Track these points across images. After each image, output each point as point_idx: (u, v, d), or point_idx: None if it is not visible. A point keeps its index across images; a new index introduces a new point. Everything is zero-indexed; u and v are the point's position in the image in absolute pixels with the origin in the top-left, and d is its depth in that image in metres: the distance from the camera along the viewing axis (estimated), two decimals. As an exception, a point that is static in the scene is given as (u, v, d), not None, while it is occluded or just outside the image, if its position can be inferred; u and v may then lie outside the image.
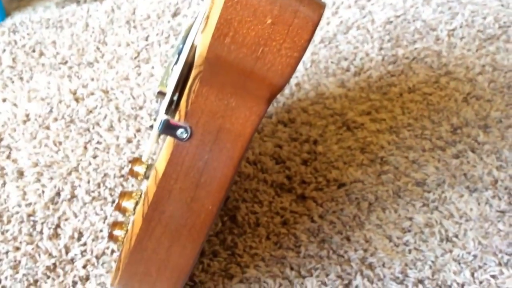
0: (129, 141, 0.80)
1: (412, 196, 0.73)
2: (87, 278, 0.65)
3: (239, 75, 0.42)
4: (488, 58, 0.92)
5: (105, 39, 0.97)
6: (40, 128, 0.81)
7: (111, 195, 0.73)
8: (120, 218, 0.69)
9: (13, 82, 0.89)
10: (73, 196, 0.73)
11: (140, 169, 0.51)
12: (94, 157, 0.77)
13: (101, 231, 0.69)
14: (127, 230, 0.52)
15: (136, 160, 0.52)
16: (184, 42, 0.48)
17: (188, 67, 0.45)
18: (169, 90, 0.46)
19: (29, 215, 0.70)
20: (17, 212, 0.71)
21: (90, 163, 0.76)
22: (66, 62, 0.93)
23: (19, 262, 0.66)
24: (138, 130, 0.81)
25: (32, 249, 0.67)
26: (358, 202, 0.72)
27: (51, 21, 1.01)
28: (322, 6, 0.42)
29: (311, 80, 0.89)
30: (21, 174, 0.75)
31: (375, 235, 0.69)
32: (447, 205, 0.72)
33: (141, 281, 0.52)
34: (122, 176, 0.75)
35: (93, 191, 0.73)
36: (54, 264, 0.66)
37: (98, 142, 0.79)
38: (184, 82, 0.46)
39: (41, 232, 0.69)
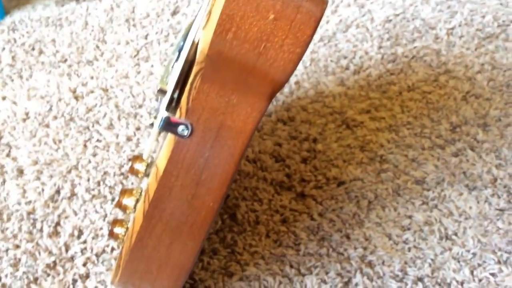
0: (128, 139, 0.80)
1: (412, 194, 0.73)
2: (87, 276, 0.65)
3: (240, 72, 0.42)
4: (487, 57, 0.92)
5: (104, 38, 0.97)
6: (39, 126, 0.81)
7: (111, 193, 0.73)
8: (120, 216, 0.70)
9: (12, 80, 0.89)
10: (73, 194, 0.73)
11: (140, 166, 0.51)
12: (94, 155, 0.77)
13: (101, 229, 0.69)
14: (127, 228, 0.52)
15: (136, 158, 0.52)
16: (184, 40, 0.48)
17: (189, 64, 0.45)
18: (169, 88, 0.46)
19: (29, 213, 0.70)
20: (17, 210, 0.71)
21: (90, 161, 0.76)
22: (65, 61, 0.93)
23: (19, 260, 0.66)
24: (138, 128, 0.81)
25: (32, 247, 0.67)
26: (357, 200, 0.72)
27: (51, 19, 1.01)
28: (325, 2, 0.42)
29: (311, 79, 0.89)
30: (21, 172, 0.75)
31: (374, 233, 0.69)
32: (447, 203, 0.72)
33: (141, 278, 0.52)
34: (122, 174, 0.75)
35: (93, 189, 0.73)
36: (54, 262, 0.66)
37: (98, 140, 0.79)
38: (184, 79, 0.46)
39: (41, 230, 0.69)
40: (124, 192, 0.51)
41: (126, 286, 0.55)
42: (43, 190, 0.73)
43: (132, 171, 0.52)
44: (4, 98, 0.86)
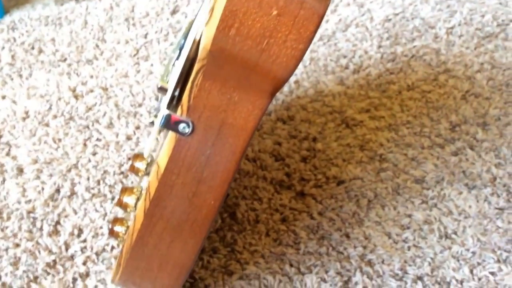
0: (128, 138, 0.80)
1: (411, 193, 0.73)
2: (87, 275, 0.65)
3: (243, 68, 0.42)
4: (487, 56, 0.92)
5: (104, 37, 0.97)
6: (39, 125, 0.81)
7: (110, 192, 0.73)
8: (120, 214, 0.70)
9: (12, 79, 0.89)
10: (72, 193, 0.73)
11: (141, 165, 0.51)
12: (94, 154, 0.77)
13: (101, 227, 0.69)
14: (128, 226, 0.52)
15: (137, 156, 0.52)
16: (185, 38, 0.48)
17: (190, 62, 0.45)
18: (170, 85, 0.46)
19: (29, 212, 0.70)
20: (17, 209, 0.71)
21: (89, 160, 0.76)
22: (65, 60, 0.93)
23: (19, 258, 0.66)
24: (138, 127, 0.81)
25: (32, 245, 0.67)
26: (357, 199, 0.72)
27: (50, 19, 1.01)
28: None
29: (310, 78, 0.89)
30: (20, 171, 0.75)
31: (374, 232, 0.69)
32: (446, 202, 0.72)
33: (142, 276, 0.52)
34: (122, 173, 0.75)
35: (92, 188, 0.73)
36: (54, 260, 0.66)
37: (98, 139, 0.79)
38: (185, 77, 0.46)
39: (41, 229, 0.69)
40: (125, 190, 0.51)
41: (127, 284, 0.55)
42: (43, 189, 0.73)
43: (133, 169, 0.52)
44: (4, 97, 0.85)
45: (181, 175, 0.46)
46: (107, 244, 0.67)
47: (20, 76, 0.90)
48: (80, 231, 0.69)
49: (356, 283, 0.64)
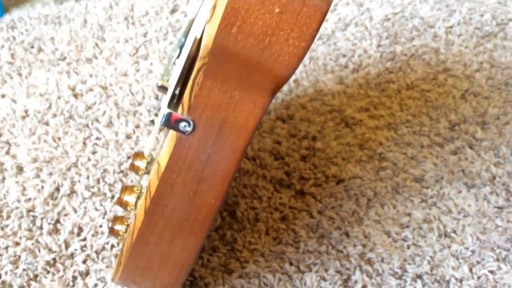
0: (128, 137, 0.80)
1: (411, 192, 0.73)
2: (87, 273, 0.65)
3: (244, 67, 0.41)
4: (486, 55, 0.92)
5: (103, 36, 0.97)
6: (39, 124, 0.81)
7: (110, 190, 0.73)
8: (120, 212, 0.70)
9: (11, 78, 0.89)
10: (72, 192, 0.73)
11: (141, 163, 0.51)
12: (93, 152, 0.77)
13: (100, 226, 0.69)
14: (128, 225, 0.52)
15: (137, 155, 0.52)
16: (186, 36, 0.48)
17: (191, 60, 0.45)
18: (171, 84, 0.46)
19: (28, 211, 0.70)
20: (17, 208, 0.71)
21: (89, 159, 0.76)
22: (64, 58, 0.93)
23: (19, 257, 0.66)
24: (137, 126, 0.81)
25: (32, 244, 0.67)
26: (357, 198, 0.73)
27: (50, 17, 1.01)
28: None
29: (310, 77, 0.89)
30: (20, 169, 0.75)
31: (374, 231, 0.69)
32: (445, 201, 0.72)
33: (142, 275, 0.52)
34: (122, 171, 0.75)
35: (92, 187, 0.73)
36: (54, 259, 0.66)
37: (97, 138, 0.79)
38: (186, 75, 0.46)
39: (40, 227, 0.69)
40: (125, 189, 0.51)
41: (127, 283, 0.55)
42: (42, 187, 0.73)
43: (133, 168, 0.52)
44: (3, 96, 0.85)
45: (181, 173, 0.46)
46: (107, 243, 0.67)
47: (20, 75, 0.90)
48: (80, 229, 0.69)
49: (355, 282, 0.64)
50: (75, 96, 0.85)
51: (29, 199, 0.72)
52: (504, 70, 0.90)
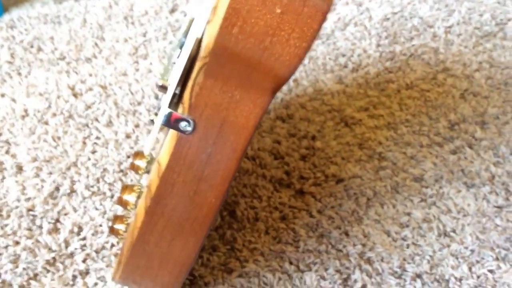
0: (127, 136, 0.80)
1: (410, 192, 0.73)
2: (87, 272, 0.65)
3: (245, 67, 0.42)
4: (485, 55, 0.93)
5: (103, 35, 0.97)
6: (38, 123, 0.81)
7: (110, 190, 0.73)
8: (120, 212, 0.70)
9: (11, 77, 0.89)
10: (72, 191, 0.73)
11: (141, 163, 0.51)
12: (93, 152, 0.77)
13: (100, 225, 0.69)
14: (128, 224, 0.52)
15: (137, 154, 0.52)
16: (186, 36, 0.48)
17: (191, 60, 0.45)
18: (171, 84, 0.46)
19: (28, 210, 0.70)
20: (17, 207, 0.71)
21: (89, 158, 0.76)
22: (64, 58, 0.93)
23: (19, 256, 0.66)
24: (137, 126, 0.81)
25: (32, 243, 0.67)
26: (356, 197, 0.73)
27: (49, 17, 1.01)
28: None
29: (309, 77, 0.89)
30: (20, 169, 0.75)
31: (373, 230, 0.69)
32: (445, 201, 0.72)
33: (142, 274, 0.52)
34: (121, 171, 0.75)
35: (92, 186, 0.73)
36: (54, 258, 0.66)
37: (97, 138, 0.79)
38: (186, 75, 0.46)
39: (40, 227, 0.69)
40: (125, 188, 0.51)
41: (127, 282, 0.55)
42: (42, 187, 0.73)
43: (133, 167, 0.52)
44: (3, 95, 0.85)
45: (182, 173, 0.46)
46: (107, 242, 0.67)
47: (19, 74, 0.90)
48: (80, 228, 0.69)
49: (355, 281, 0.64)
50: (75, 95, 0.85)
51: (29, 199, 0.72)
52: (503, 69, 0.90)
